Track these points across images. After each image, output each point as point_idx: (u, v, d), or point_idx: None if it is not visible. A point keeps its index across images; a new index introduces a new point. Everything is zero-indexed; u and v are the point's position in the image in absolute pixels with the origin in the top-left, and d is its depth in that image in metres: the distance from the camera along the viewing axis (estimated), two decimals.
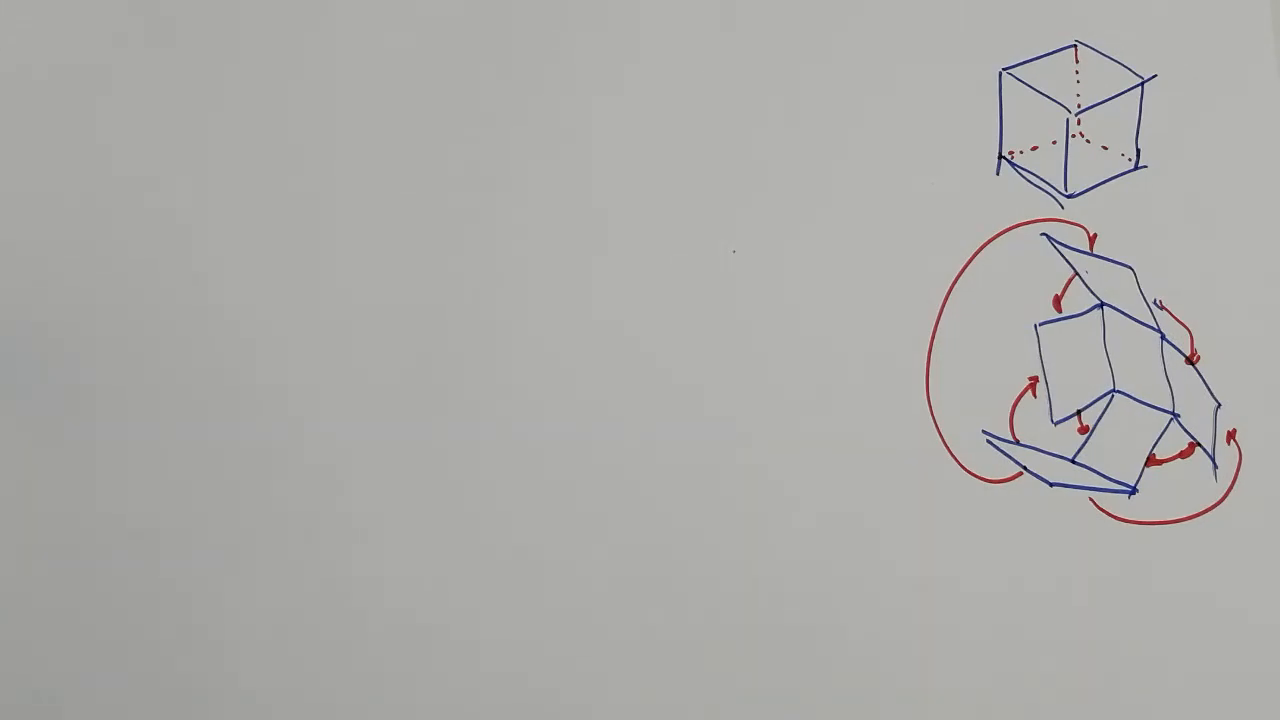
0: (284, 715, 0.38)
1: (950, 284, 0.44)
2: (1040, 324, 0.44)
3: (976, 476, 0.43)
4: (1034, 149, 0.46)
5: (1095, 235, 0.46)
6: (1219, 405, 0.45)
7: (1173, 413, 0.45)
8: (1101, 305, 0.45)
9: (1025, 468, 0.44)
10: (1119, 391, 0.45)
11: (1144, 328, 0.45)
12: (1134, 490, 0.44)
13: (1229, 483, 0.45)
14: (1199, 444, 0.45)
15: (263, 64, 0.40)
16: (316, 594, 0.38)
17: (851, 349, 0.43)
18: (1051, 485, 0.44)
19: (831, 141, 0.44)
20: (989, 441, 0.43)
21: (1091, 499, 0.44)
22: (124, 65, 0.40)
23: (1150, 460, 0.44)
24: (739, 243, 0.42)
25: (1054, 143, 0.46)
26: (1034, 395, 0.44)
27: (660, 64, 0.43)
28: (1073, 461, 0.44)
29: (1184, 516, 0.44)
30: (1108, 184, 0.46)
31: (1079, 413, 0.44)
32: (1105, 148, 0.46)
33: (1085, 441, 0.44)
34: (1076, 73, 0.46)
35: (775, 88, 0.44)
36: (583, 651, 0.40)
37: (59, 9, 0.40)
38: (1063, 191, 0.46)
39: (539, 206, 0.41)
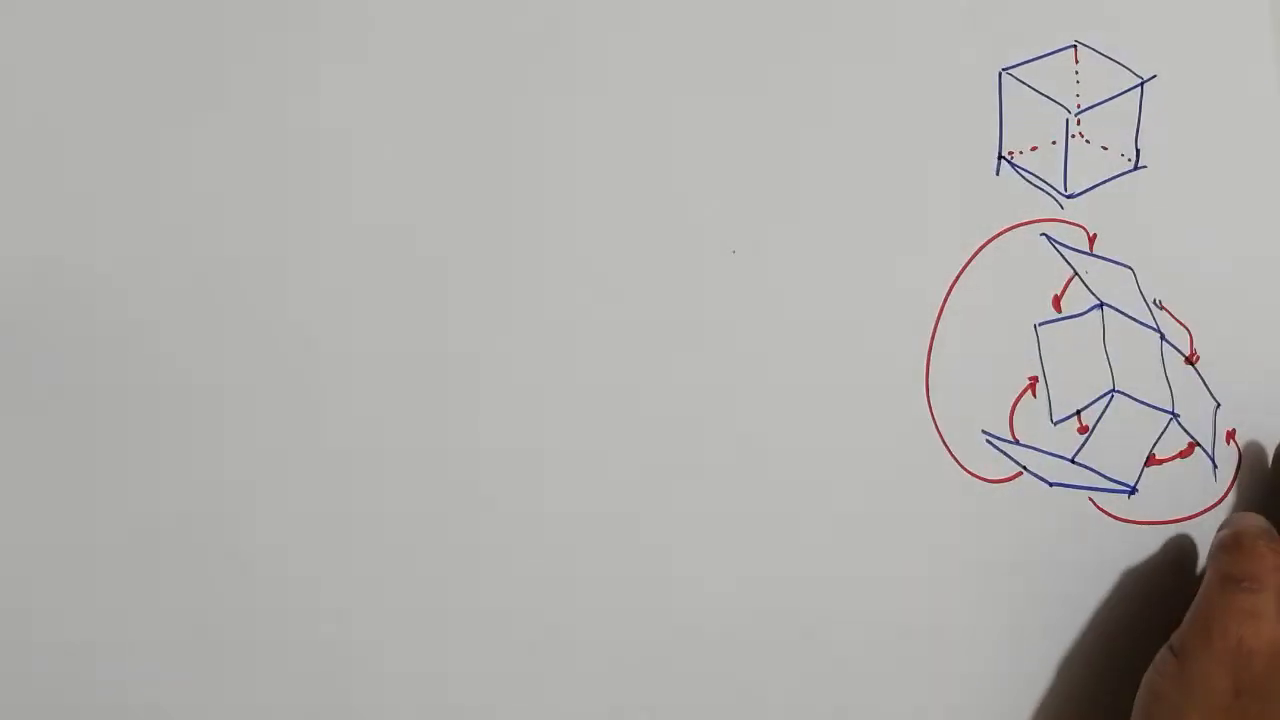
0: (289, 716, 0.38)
1: (950, 284, 0.44)
2: (1040, 324, 0.44)
3: (976, 476, 0.43)
4: (1034, 149, 0.46)
5: (1095, 235, 0.46)
6: (1218, 405, 0.45)
7: (1172, 413, 0.45)
8: (1101, 305, 0.45)
9: (1025, 468, 0.44)
10: (1119, 391, 0.45)
11: (1144, 328, 0.45)
12: (1134, 490, 0.44)
13: (1228, 483, 0.45)
14: (1199, 444, 0.45)
15: (259, 58, 0.40)
16: (319, 593, 0.38)
17: (851, 349, 0.43)
18: (1051, 485, 0.44)
19: (831, 141, 0.44)
20: (989, 441, 0.43)
21: (1091, 499, 0.44)
22: (120, 62, 0.39)
23: (1150, 460, 0.45)
24: (739, 243, 0.42)
25: (1054, 143, 0.46)
26: (1034, 395, 0.44)
27: (658, 63, 0.43)
28: (1072, 461, 0.44)
29: (1184, 516, 0.44)
30: (1108, 184, 0.46)
31: (1079, 413, 0.44)
32: (1105, 148, 0.46)
33: (1085, 441, 0.44)
34: (1076, 73, 0.46)
35: (774, 87, 0.44)
36: (576, 650, 0.40)
37: (59, 7, 0.39)
38: (1063, 192, 0.46)
39: (535, 206, 0.41)
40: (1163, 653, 0.40)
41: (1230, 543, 0.41)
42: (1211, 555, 0.41)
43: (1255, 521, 0.42)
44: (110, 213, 0.39)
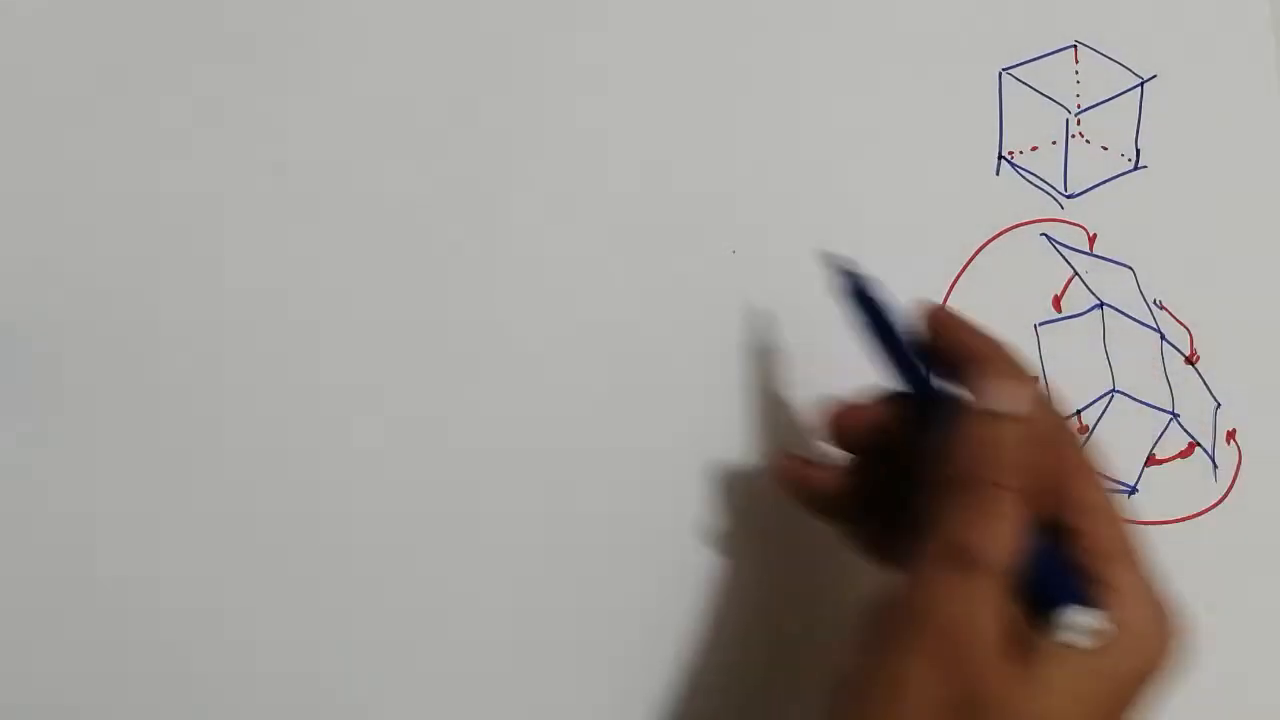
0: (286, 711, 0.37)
1: (950, 284, 0.44)
2: (1040, 324, 0.44)
3: None
4: (1034, 149, 0.46)
5: (1095, 235, 0.46)
6: (1219, 405, 0.45)
7: (1172, 413, 0.45)
8: (1101, 305, 0.45)
9: None
10: (1119, 391, 0.45)
11: (1144, 328, 0.45)
12: (1134, 490, 0.44)
13: (1229, 483, 0.45)
14: (1199, 444, 0.45)
15: (247, 60, 0.40)
16: (321, 590, 0.38)
17: (850, 349, 0.43)
18: None
19: (831, 141, 0.44)
20: None
21: None
22: (117, 61, 0.39)
23: (1150, 460, 0.44)
24: (739, 243, 0.42)
25: (1054, 143, 0.46)
26: None
27: (658, 62, 0.43)
28: None
29: (1184, 516, 0.44)
30: (1107, 184, 0.46)
31: (1079, 412, 0.44)
32: (1105, 148, 0.46)
33: (1085, 441, 0.44)
34: (1076, 73, 0.46)
35: (774, 87, 0.44)
36: (568, 652, 0.39)
37: (56, 9, 0.40)
38: (1062, 192, 0.46)
39: (533, 206, 0.41)
40: (856, 638, 0.31)
41: (961, 492, 0.31)
42: (933, 508, 0.31)
43: (1004, 447, 0.31)
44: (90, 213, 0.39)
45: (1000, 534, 0.30)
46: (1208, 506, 0.44)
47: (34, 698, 0.36)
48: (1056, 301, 0.45)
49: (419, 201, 0.40)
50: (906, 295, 0.43)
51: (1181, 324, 0.45)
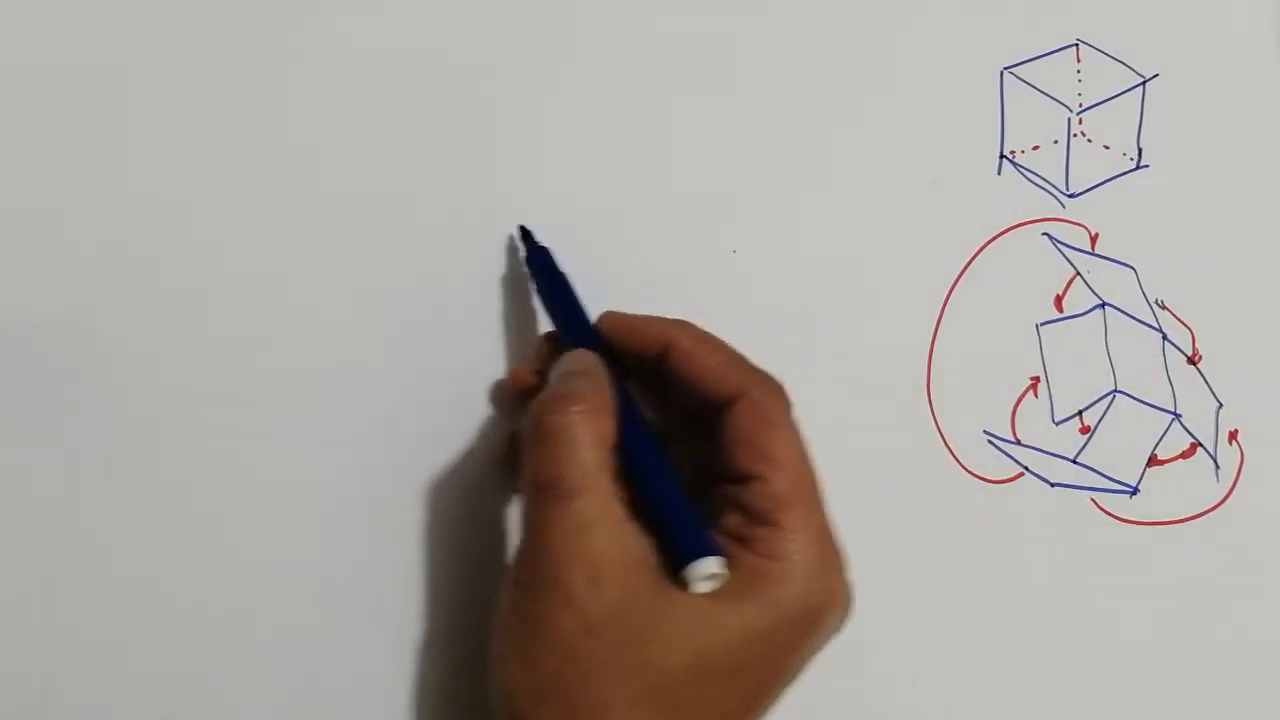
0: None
1: (950, 284, 0.44)
2: (1041, 324, 0.44)
3: (977, 476, 0.43)
4: (1035, 148, 0.45)
5: (1097, 235, 0.45)
6: (1221, 405, 0.45)
7: (1174, 413, 0.45)
8: (1103, 305, 0.45)
9: (1026, 468, 0.43)
10: (1120, 391, 0.45)
11: (1146, 328, 0.45)
12: (1135, 490, 0.44)
13: (1230, 483, 0.45)
14: (1201, 444, 0.45)
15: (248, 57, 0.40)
16: (326, 593, 0.38)
17: (851, 349, 0.43)
18: (1052, 485, 0.44)
19: (831, 141, 0.44)
20: (990, 441, 0.43)
21: (1093, 499, 0.44)
22: (119, 61, 0.40)
23: (1152, 460, 0.44)
24: (739, 243, 0.42)
25: (1055, 142, 0.46)
26: (1035, 395, 0.44)
27: (658, 62, 0.43)
28: (1074, 462, 0.44)
29: (1185, 517, 0.44)
30: (1109, 183, 0.46)
31: (1080, 413, 0.44)
32: (1107, 147, 0.46)
33: (1087, 442, 0.44)
34: (1078, 72, 0.46)
35: (774, 87, 0.44)
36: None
37: (54, 7, 0.40)
38: (1064, 191, 0.46)
39: (534, 208, 0.41)
40: (508, 588, 0.32)
41: (534, 432, 0.32)
42: (522, 447, 0.33)
43: (573, 377, 0.33)
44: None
45: (564, 459, 0.31)
46: (1210, 507, 0.44)
47: (34, 697, 0.36)
48: (1058, 301, 0.45)
49: (417, 198, 0.40)
50: (907, 295, 0.44)
51: (1183, 324, 0.45)
